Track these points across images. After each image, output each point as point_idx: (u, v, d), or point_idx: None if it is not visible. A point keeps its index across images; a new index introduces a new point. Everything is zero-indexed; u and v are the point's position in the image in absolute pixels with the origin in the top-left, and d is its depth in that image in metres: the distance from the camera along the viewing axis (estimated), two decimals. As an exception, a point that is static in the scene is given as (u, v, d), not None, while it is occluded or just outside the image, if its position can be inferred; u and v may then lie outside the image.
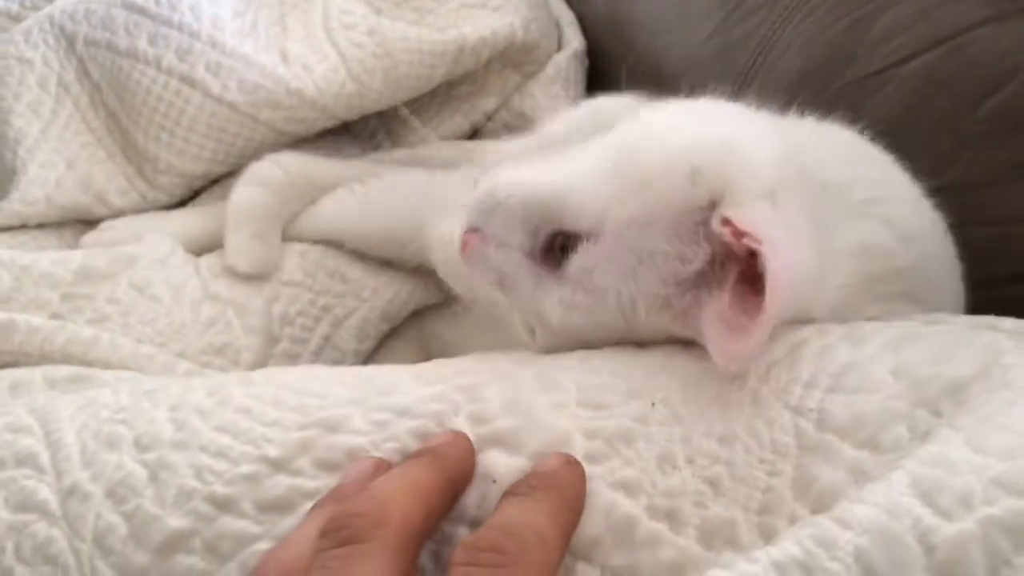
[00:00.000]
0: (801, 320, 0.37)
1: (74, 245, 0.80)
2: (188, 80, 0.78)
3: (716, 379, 0.35)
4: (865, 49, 0.67)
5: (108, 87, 0.83)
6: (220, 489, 0.38)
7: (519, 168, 0.45)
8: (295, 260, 0.73)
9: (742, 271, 0.36)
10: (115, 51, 0.81)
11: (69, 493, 0.40)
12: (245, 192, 0.75)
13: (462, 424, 0.37)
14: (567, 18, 1.00)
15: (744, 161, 0.37)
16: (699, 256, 0.37)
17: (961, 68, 0.61)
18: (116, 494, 0.39)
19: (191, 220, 0.80)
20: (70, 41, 0.84)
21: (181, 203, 0.85)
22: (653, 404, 0.35)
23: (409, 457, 0.36)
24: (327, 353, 0.71)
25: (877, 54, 0.66)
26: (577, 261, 0.40)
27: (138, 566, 0.37)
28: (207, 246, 0.75)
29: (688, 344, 0.38)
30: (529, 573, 0.28)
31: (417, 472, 0.33)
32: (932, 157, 0.61)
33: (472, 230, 0.44)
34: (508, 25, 0.89)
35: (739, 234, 0.34)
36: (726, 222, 0.34)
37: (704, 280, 0.37)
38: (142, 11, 0.80)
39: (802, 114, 0.56)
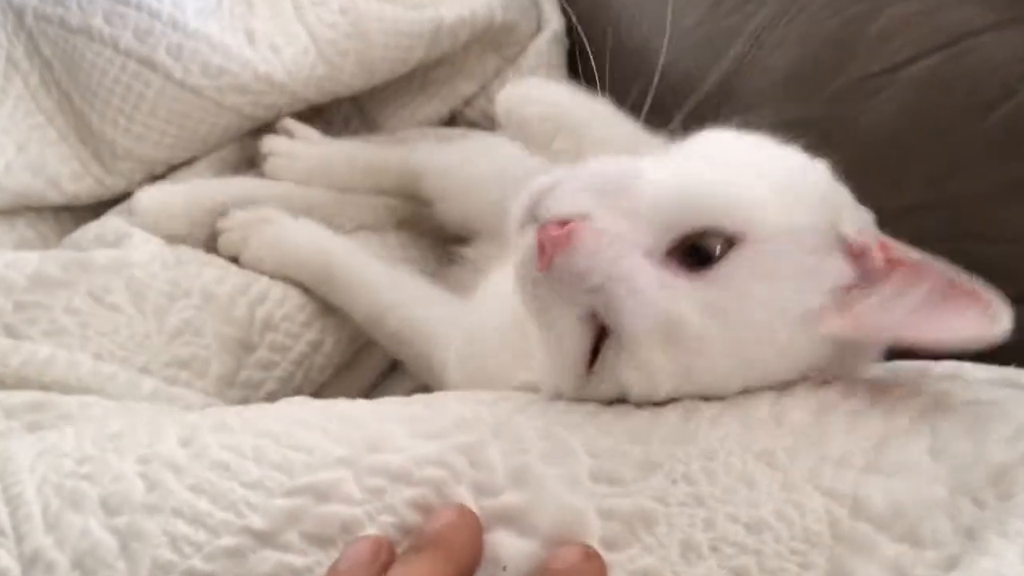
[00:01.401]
0: None
1: (28, 237, 0.75)
2: (148, 63, 0.73)
3: (740, 453, 0.33)
4: (863, 49, 0.64)
5: (61, 66, 0.77)
6: (200, 565, 0.35)
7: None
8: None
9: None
10: (68, 28, 0.75)
11: (32, 562, 0.37)
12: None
13: (465, 495, 0.35)
14: (546, -4, 0.95)
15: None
16: (846, 272, 0.38)
17: (964, 75, 0.58)
18: (84, 566, 0.36)
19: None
20: (18, 14, 0.78)
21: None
22: (674, 481, 0.33)
23: (412, 548, 0.33)
24: (312, 360, 0.67)
25: (876, 55, 0.64)
26: (729, 263, 0.37)
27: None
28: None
29: (705, 410, 0.36)
30: None
31: (423, 571, 0.30)
32: (930, 168, 0.59)
33: (579, 217, 0.37)
34: (485, 4, 0.84)
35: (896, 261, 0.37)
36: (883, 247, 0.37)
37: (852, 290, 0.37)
38: (96, -14, 0.74)
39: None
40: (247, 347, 0.64)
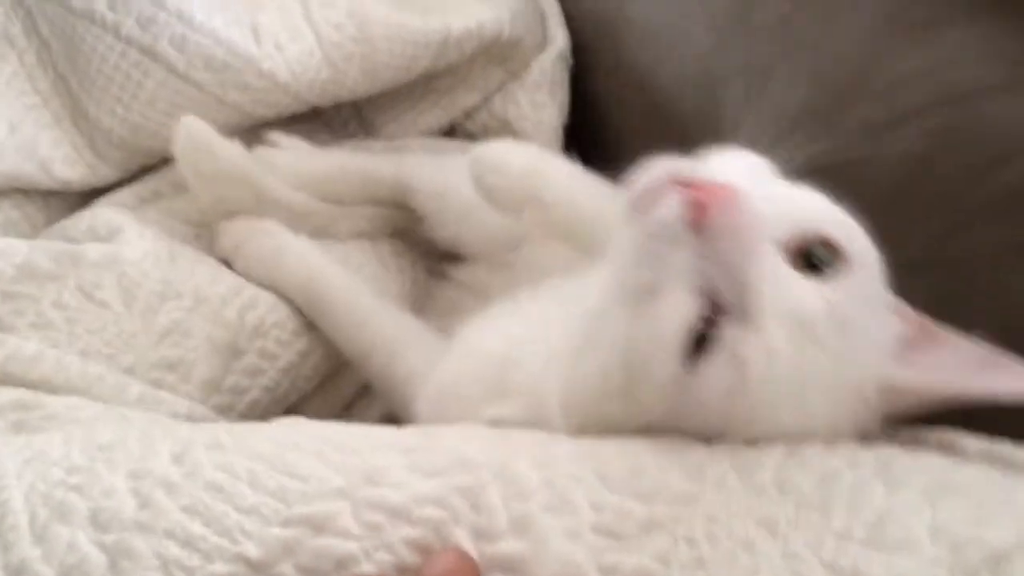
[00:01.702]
0: None
1: (14, 219, 0.74)
2: (150, 52, 0.72)
3: (742, 518, 0.33)
4: (872, 96, 0.65)
5: (59, 47, 0.76)
6: (190, 590, 0.34)
7: None
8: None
9: None
10: (69, 9, 0.74)
11: (18, 573, 0.36)
12: None
13: (464, 538, 0.35)
14: (553, 12, 0.95)
15: None
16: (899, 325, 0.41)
17: (971, 132, 0.58)
18: (71, 582, 0.35)
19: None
20: (19, -9, 0.77)
21: (131, 179, 0.78)
22: (676, 542, 0.33)
23: None
24: (299, 370, 0.67)
25: (884, 103, 0.64)
26: (841, 279, 0.38)
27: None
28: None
29: (710, 471, 0.36)
30: None
31: None
32: (933, 225, 0.59)
33: (733, 184, 0.38)
34: (495, 19, 0.84)
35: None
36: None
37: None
38: (101, -30, 0.72)
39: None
40: (235, 352, 0.63)
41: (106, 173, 0.76)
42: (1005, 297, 0.55)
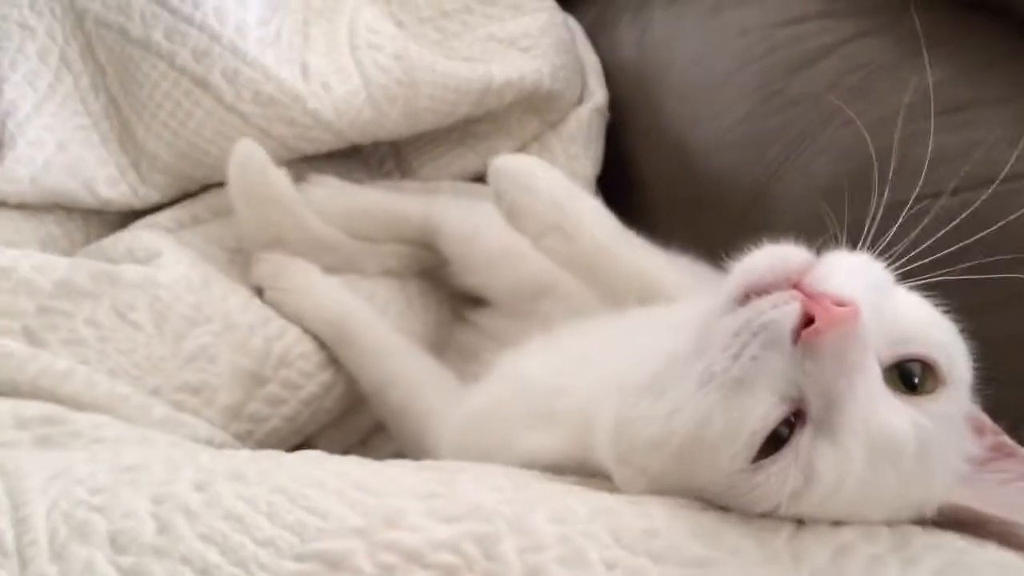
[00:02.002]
0: None
1: (55, 235, 0.76)
2: (201, 83, 0.74)
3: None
4: (903, 173, 0.65)
5: (114, 72, 0.78)
6: (202, 618, 0.35)
7: None
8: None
9: None
10: (127, 38, 0.76)
11: (33, 588, 0.36)
12: None
13: (476, 585, 0.35)
14: (592, 65, 0.97)
15: None
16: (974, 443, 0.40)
17: (1004, 215, 0.59)
18: (86, 601, 0.36)
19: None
20: (79, 16, 0.79)
21: (171, 203, 0.80)
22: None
23: None
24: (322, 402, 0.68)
25: (914, 181, 0.64)
26: (937, 401, 0.38)
27: None
28: None
29: (728, 535, 0.36)
30: None
31: None
32: (957, 304, 0.59)
33: (852, 302, 0.36)
34: (536, 71, 0.86)
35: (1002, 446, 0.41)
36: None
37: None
38: (163, 2, 0.75)
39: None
40: (258, 380, 0.64)
41: (148, 195, 0.78)
42: (1013, 386, 0.55)
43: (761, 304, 0.37)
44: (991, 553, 0.35)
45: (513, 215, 0.63)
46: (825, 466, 0.36)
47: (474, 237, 0.76)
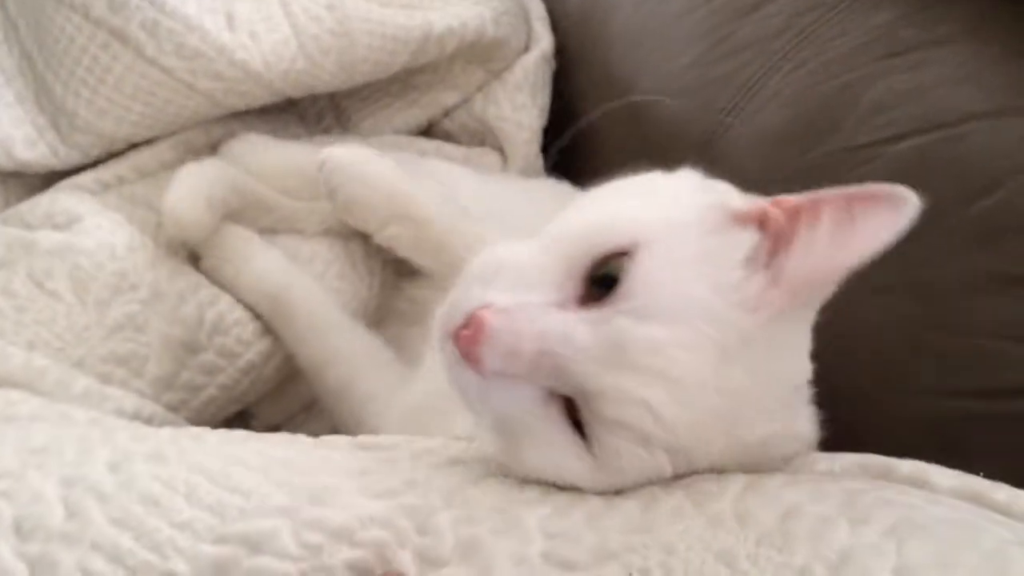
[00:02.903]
0: None
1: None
2: (119, 35, 0.69)
3: (699, 549, 0.32)
4: (853, 118, 0.64)
5: (26, 27, 0.73)
6: (113, 608, 0.32)
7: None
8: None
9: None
10: (38, -12, 0.71)
11: (-71, 583, 0.34)
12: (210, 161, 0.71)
13: (408, 561, 0.33)
14: (538, 12, 0.93)
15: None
16: (753, 237, 0.38)
17: (953, 160, 0.57)
18: (-13, 594, 0.33)
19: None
20: (-14, -33, 0.74)
21: (94, 163, 0.76)
22: (630, 573, 0.31)
23: None
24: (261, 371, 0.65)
25: (866, 126, 0.63)
26: (633, 269, 0.36)
27: None
28: None
29: (665, 500, 0.34)
30: None
31: None
32: (904, 250, 0.58)
33: (482, 307, 0.37)
34: (478, 16, 0.82)
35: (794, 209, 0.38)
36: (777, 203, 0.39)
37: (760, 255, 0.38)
38: (73, -50, 0.70)
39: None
40: (191, 348, 0.61)
41: (68, 156, 0.73)
42: (975, 327, 0.54)
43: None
44: (943, 509, 0.34)
45: (350, 208, 0.62)
46: (624, 412, 0.35)
47: None
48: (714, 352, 0.35)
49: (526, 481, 0.37)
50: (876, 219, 0.36)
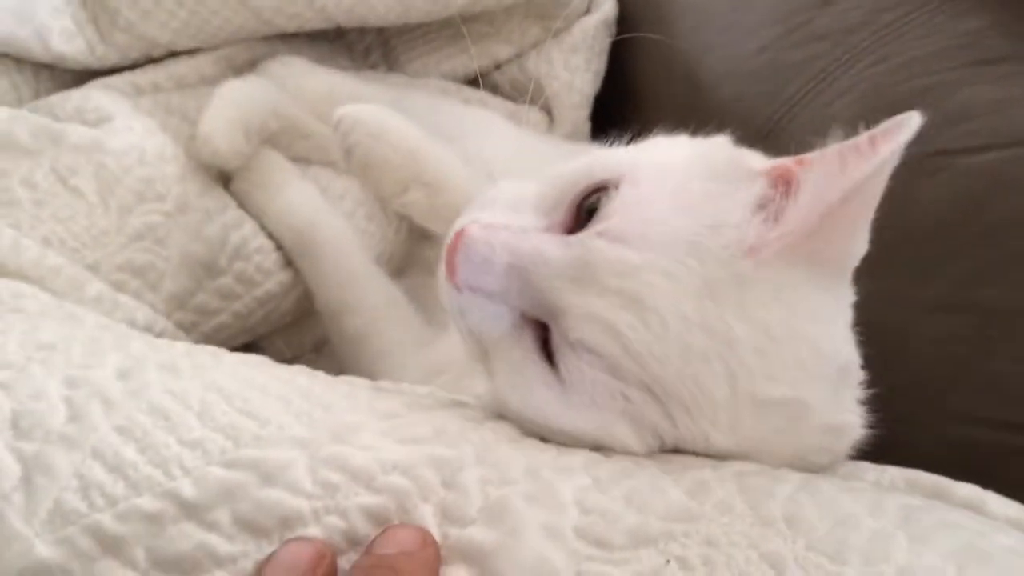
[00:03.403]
0: None
1: (3, 89, 0.68)
2: (175, -66, 0.66)
3: (745, 548, 0.29)
4: (931, 122, 0.60)
5: (76, -88, 0.70)
6: (107, 522, 0.30)
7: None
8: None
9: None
10: None
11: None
12: (252, 80, 0.67)
13: (430, 517, 0.30)
14: (604, -24, 0.89)
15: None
16: (758, 189, 0.36)
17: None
18: (-26, 489, 0.31)
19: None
20: None
21: (131, 67, 0.73)
22: (668, 561, 0.29)
23: (357, 568, 0.29)
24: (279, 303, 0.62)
25: (942, 133, 0.59)
26: (617, 200, 0.36)
27: (-16, 591, 0.29)
28: None
29: (716, 490, 0.32)
30: None
31: None
32: (966, 268, 0.55)
33: (471, 223, 0.38)
34: (543, -32, 0.79)
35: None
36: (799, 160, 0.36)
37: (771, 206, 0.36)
38: None
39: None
40: (211, 270, 0.58)
41: (106, 55, 0.70)
42: (1015, 356, 0.51)
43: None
44: (1009, 539, 0.32)
45: (367, 170, 0.58)
46: (588, 334, 0.34)
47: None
48: (697, 286, 0.34)
49: (567, 448, 0.34)
50: (875, 147, 0.35)
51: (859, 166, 0.34)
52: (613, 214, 0.35)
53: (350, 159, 0.59)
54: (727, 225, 0.35)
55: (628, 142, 0.44)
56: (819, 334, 0.36)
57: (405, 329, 0.61)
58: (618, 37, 0.87)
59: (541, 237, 0.36)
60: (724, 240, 0.34)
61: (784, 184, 0.36)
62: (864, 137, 0.35)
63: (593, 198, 0.37)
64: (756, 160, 0.39)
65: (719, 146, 0.40)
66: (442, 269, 0.38)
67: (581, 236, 0.35)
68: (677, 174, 0.36)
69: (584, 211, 0.37)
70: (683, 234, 0.34)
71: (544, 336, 0.36)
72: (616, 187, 0.36)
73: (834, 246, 0.36)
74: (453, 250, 0.37)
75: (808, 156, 0.37)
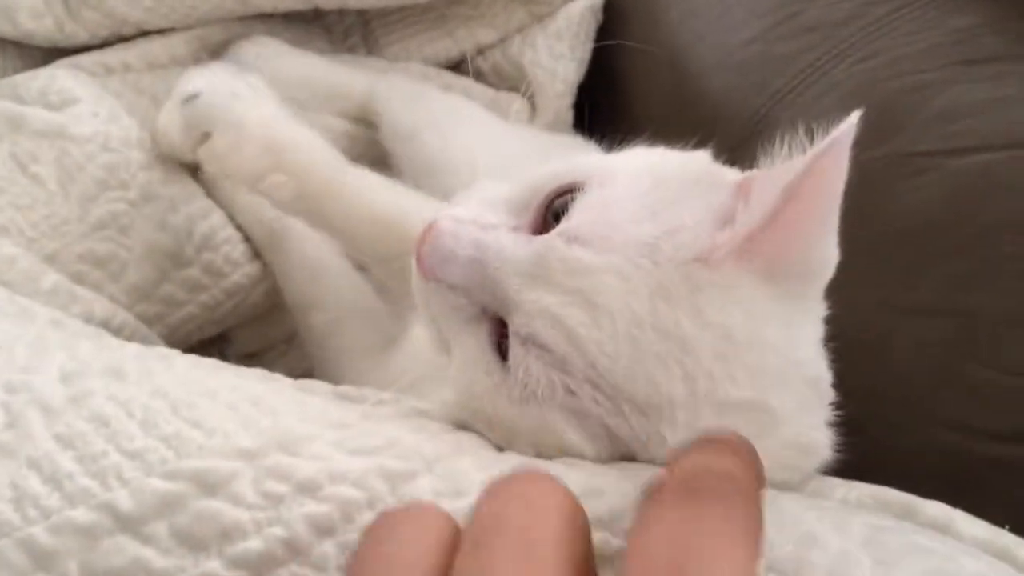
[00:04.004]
0: None
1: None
2: (143, -92, 0.64)
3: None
4: (919, 122, 0.59)
5: None
6: (40, 536, 0.29)
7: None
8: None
9: None
10: None
11: None
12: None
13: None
14: (592, -37, 0.87)
15: None
16: (721, 199, 0.36)
17: (1021, 182, 0.53)
18: (-97, 503, 0.29)
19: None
20: None
21: (101, 45, 0.70)
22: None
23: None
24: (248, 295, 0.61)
25: (931, 133, 0.58)
26: (579, 202, 0.36)
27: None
28: None
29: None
30: None
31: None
32: (954, 272, 0.54)
33: (445, 215, 0.38)
34: (528, -48, 0.77)
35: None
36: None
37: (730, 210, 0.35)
38: None
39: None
40: (176, 261, 0.57)
41: (74, 33, 0.68)
42: (1017, 364, 0.50)
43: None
44: (979, 564, 0.30)
45: (214, 158, 0.54)
46: (537, 326, 0.34)
47: (411, 136, 0.69)
48: (651, 287, 0.33)
49: (529, 460, 0.33)
50: (816, 146, 0.34)
51: (795, 164, 0.34)
52: (575, 215, 0.35)
53: (187, 135, 0.55)
54: (684, 229, 0.34)
55: (614, 148, 0.43)
56: (782, 340, 0.35)
57: (371, 328, 0.59)
58: (602, 43, 0.85)
59: (505, 234, 0.37)
60: (679, 243, 0.34)
61: (745, 193, 0.35)
62: (806, 138, 0.35)
63: (561, 200, 0.37)
64: (731, 174, 0.39)
65: (696, 159, 0.40)
66: (412, 263, 0.39)
67: (544, 236, 0.36)
68: (645, 180, 0.36)
69: (552, 213, 0.37)
70: (641, 237, 0.34)
71: (502, 332, 0.36)
72: (582, 189, 0.36)
73: (791, 252, 0.35)
74: (422, 240, 0.38)
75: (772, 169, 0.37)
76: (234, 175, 0.55)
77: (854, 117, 0.34)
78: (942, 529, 0.34)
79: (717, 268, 0.34)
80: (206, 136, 0.54)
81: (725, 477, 0.24)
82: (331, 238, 0.58)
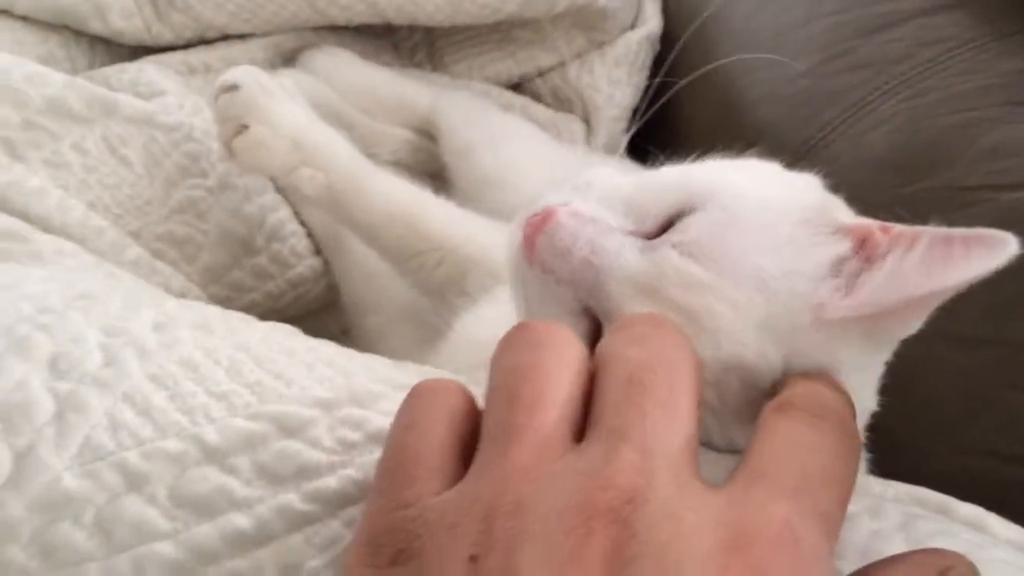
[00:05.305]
0: None
1: (57, 56, 0.70)
2: (233, -78, 0.68)
3: None
4: (967, 158, 0.61)
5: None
6: (134, 460, 0.31)
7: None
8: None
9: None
10: None
11: (-47, 398, 0.33)
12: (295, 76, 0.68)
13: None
14: (653, -7, 0.91)
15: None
16: (839, 248, 0.35)
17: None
18: (10, 420, 0.32)
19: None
20: None
21: (185, 47, 0.75)
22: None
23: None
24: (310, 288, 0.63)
25: (979, 168, 0.60)
26: (700, 218, 0.35)
27: (12, 517, 0.30)
28: None
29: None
30: None
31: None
32: (996, 300, 0.55)
33: (562, 204, 0.37)
34: (593, -18, 0.80)
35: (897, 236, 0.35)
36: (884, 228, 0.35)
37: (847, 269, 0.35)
38: None
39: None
40: (248, 248, 0.60)
41: (161, 34, 0.72)
42: None
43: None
44: (1004, 553, 0.32)
45: (247, 150, 0.55)
46: None
47: (466, 153, 0.71)
48: (757, 322, 0.34)
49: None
50: (968, 255, 0.33)
51: (948, 273, 0.33)
52: (694, 230, 0.35)
53: (224, 127, 0.56)
54: (802, 275, 0.34)
55: (696, 158, 0.43)
56: (858, 387, 0.35)
57: (419, 328, 0.61)
58: (662, 79, 0.87)
59: (623, 240, 0.36)
60: (795, 289, 0.34)
61: (863, 248, 0.35)
62: (958, 239, 0.33)
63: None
64: (843, 212, 0.39)
65: (811, 188, 0.40)
66: (515, 232, 0.38)
67: (656, 242, 0.35)
68: (768, 212, 0.36)
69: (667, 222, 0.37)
70: (756, 271, 0.34)
71: (596, 331, 0.36)
72: (703, 205, 0.36)
73: (899, 325, 0.36)
74: (537, 228, 0.37)
75: (894, 227, 0.36)
76: (266, 167, 0.56)
77: (1011, 243, 0.32)
78: (976, 527, 0.35)
79: (824, 323, 0.34)
80: (242, 128, 0.55)
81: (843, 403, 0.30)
82: (353, 234, 0.60)
